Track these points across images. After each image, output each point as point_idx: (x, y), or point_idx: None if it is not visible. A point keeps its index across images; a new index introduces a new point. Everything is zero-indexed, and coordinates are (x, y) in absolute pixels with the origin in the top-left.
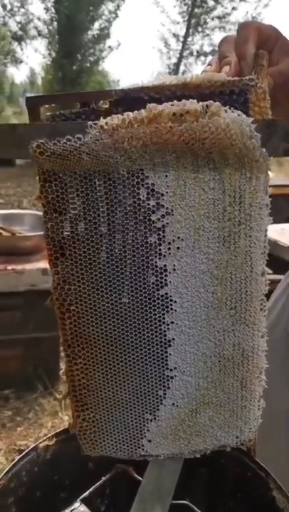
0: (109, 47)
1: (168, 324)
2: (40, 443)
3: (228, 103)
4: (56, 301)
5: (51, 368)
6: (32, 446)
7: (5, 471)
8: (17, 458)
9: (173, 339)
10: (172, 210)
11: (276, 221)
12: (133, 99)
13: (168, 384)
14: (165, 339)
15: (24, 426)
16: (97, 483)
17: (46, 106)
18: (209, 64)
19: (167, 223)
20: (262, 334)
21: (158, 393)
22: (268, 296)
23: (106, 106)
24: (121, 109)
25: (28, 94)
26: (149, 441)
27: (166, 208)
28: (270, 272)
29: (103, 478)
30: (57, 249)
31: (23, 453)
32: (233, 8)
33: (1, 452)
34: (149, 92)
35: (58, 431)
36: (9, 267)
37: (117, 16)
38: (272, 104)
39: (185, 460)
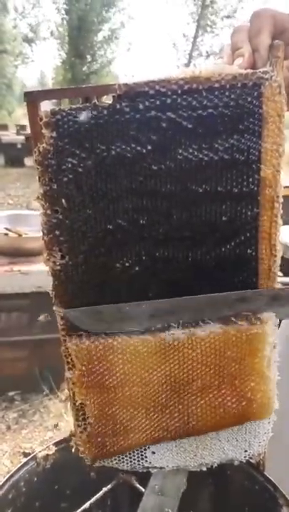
0: (129, 49)
1: None
2: (39, 452)
3: (239, 97)
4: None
5: (57, 370)
6: (31, 456)
7: (2, 482)
8: (14, 468)
9: None
10: None
11: (287, 222)
12: (137, 93)
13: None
14: None
15: (29, 428)
16: (98, 494)
17: (46, 101)
18: (221, 57)
19: None
20: (273, 345)
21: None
22: None
23: (109, 101)
24: (125, 105)
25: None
26: (153, 452)
27: None
28: (281, 275)
29: (104, 489)
30: None
31: (21, 463)
32: (242, 8)
33: (6, 455)
34: (155, 86)
35: (57, 440)
36: (15, 268)
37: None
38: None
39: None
